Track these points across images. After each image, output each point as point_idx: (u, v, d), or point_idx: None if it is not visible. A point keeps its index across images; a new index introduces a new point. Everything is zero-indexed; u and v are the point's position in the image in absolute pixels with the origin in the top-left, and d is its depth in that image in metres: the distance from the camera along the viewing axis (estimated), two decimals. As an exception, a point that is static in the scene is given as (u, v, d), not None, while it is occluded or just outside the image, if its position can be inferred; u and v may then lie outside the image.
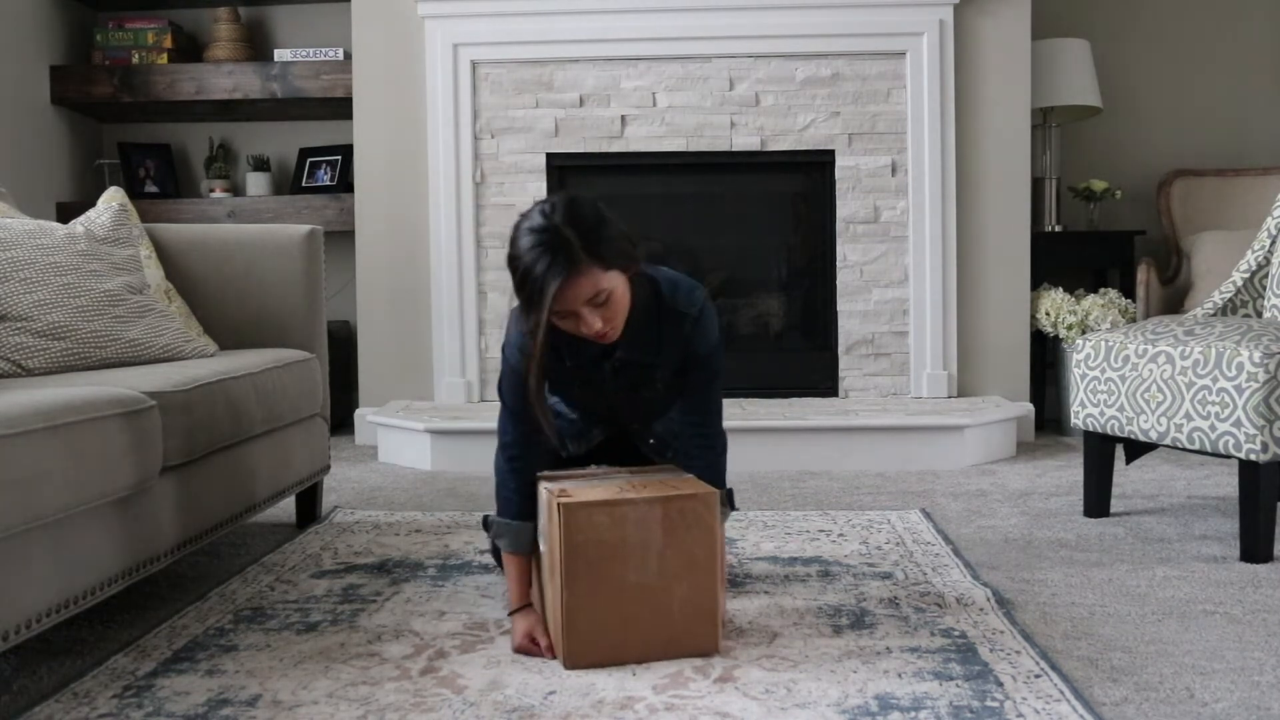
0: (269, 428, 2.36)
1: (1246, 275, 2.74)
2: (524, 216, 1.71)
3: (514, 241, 1.70)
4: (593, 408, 1.99)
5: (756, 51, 3.88)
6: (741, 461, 3.37)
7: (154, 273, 2.55)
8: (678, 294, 1.86)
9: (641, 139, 3.91)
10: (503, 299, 3.90)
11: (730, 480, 3.23)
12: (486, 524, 1.92)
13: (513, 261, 1.70)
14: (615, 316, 1.72)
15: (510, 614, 1.82)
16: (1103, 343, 2.56)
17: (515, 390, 1.82)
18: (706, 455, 1.96)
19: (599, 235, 1.68)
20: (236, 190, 4.44)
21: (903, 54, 3.86)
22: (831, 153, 3.90)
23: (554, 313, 1.67)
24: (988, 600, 1.98)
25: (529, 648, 1.75)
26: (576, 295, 1.66)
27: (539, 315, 1.66)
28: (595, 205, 1.73)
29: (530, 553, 1.84)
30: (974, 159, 3.92)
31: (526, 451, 1.85)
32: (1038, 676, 1.61)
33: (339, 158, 4.37)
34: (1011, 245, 3.94)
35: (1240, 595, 2.03)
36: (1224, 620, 1.89)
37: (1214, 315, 2.73)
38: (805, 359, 4.02)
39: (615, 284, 1.70)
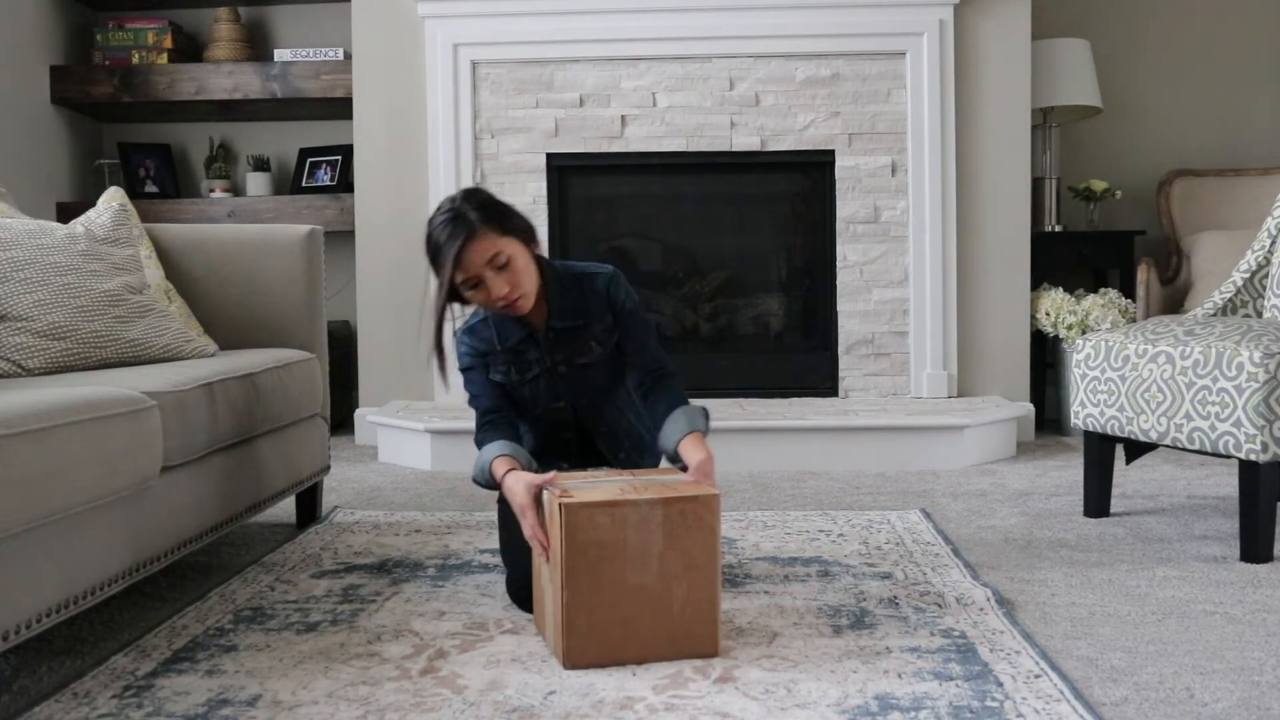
0: (269, 428, 2.36)
1: (1246, 275, 2.74)
2: (433, 215, 1.97)
3: (427, 234, 1.97)
4: (542, 399, 2.06)
5: (756, 51, 3.88)
6: (741, 461, 3.39)
7: (154, 273, 2.55)
8: (585, 264, 2.11)
9: (641, 139, 3.91)
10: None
11: (730, 480, 3.24)
12: (477, 479, 2.00)
13: (426, 246, 1.97)
14: (520, 282, 1.93)
15: (502, 476, 1.87)
16: (1103, 343, 2.56)
17: (479, 385, 2.06)
18: (670, 391, 2.06)
19: (495, 208, 1.96)
20: (236, 190, 4.44)
21: (903, 54, 3.86)
22: (831, 153, 3.90)
23: (463, 282, 1.91)
24: (988, 600, 1.98)
25: (534, 516, 1.77)
26: (477, 257, 1.89)
27: (444, 280, 1.91)
28: (490, 193, 2.02)
29: (513, 453, 1.93)
30: (974, 159, 3.92)
31: (502, 414, 2.05)
32: (1038, 676, 1.61)
33: (339, 158, 4.37)
34: (1011, 245, 3.94)
35: (1240, 595, 2.03)
36: (1224, 620, 1.89)
37: (1214, 315, 2.73)
38: (805, 359, 4.02)
39: (514, 250, 1.93)
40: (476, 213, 1.92)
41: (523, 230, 1.97)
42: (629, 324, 2.07)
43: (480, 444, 2.01)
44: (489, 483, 1.96)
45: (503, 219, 1.94)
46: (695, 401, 2.06)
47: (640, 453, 2.13)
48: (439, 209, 1.96)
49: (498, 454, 1.93)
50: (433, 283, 1.98)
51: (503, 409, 2.06)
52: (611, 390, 2.10)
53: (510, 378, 2.05)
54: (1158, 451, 3.37)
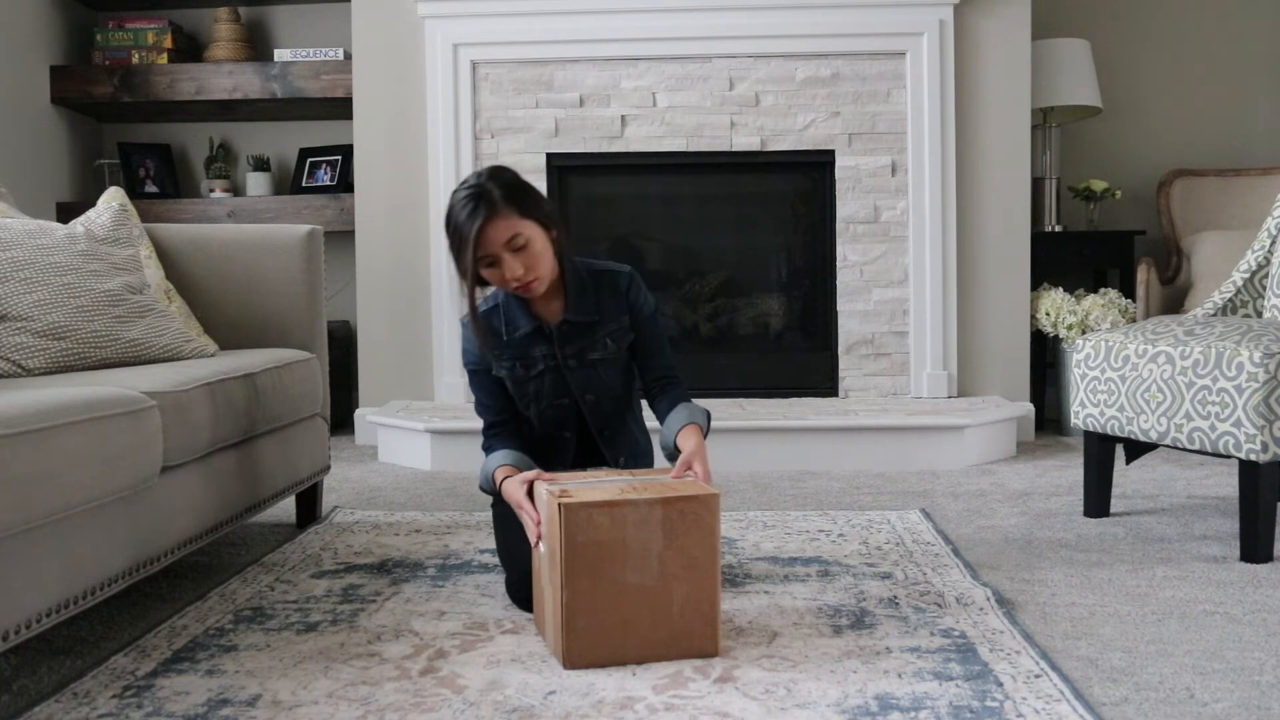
0: (269, 428, 2.36)
1: (1246, 275, 2.74)
2: (457, 188, 1.96)
3: (448, 208, 1.94)
4: (546, 395, 2.05)
5: (756, 51, 3.88)
6: (741, 461, 3.39)
7: (154, 273, 2.55)
8: (606, 263, 2.11)
9: (641, 139, 3.91)
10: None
11: (730, 480, 3.24)
12: (484, 487, 2.05)
13: (446, 223, 1.94)
14: (536, 265, 1.93)
15: (500, 481, 1.91)
16: (1103, 343, 2.56)
17: (485, 391, 2.07)
18: (676, 393, 2.09)
19: (518, 189, 1.94)
20: (236, 190, 4.44)
21: (903, 54, 3.86)
22: (831, 153, 3.90)
23: (479, 259, 1.90)
24: (988, 600, 1.98)
25: (523, 502, 1.81)
26: (496, 236, 1.89)
27: (466, 259, 1.90)
28: (516, 173, 2.00)
29: (515, 462, 1.97)
30: (974, 159, 3.92)
31: (509, 423, 2.08)
32: (1038, 676, 1.61)
33: (339, 158, 4.37)
34: (1011, 245, 3.94)
35: (1240, 595, 2.03)
36: (1224, 620, 1.89)
37: (1214, 315, 2.73)
38: (805, 359, 4.02)
39: (533, 233, 1.93)
40: (500, 191, 1.91)
41: (544, 215, 1.96)
42: (646, 328, 2.09)
43: (487, 452, 2.05)
44: (493, 490, 2.01)
45: (524, 200, 1.94)
46: (698, 402, 2.10)
47: (637, 459, 2.13)
48: (462, 184, 1.95)
49: (500, 464, 1.98)
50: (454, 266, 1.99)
51: (507, 419, 2.08)
52: (618, 392, 2.10)
53: (515, 373, 2.04)
54: (1158, 451, 3.37)
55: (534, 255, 1.93)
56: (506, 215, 1.90)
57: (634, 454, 2.13)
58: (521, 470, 1.94)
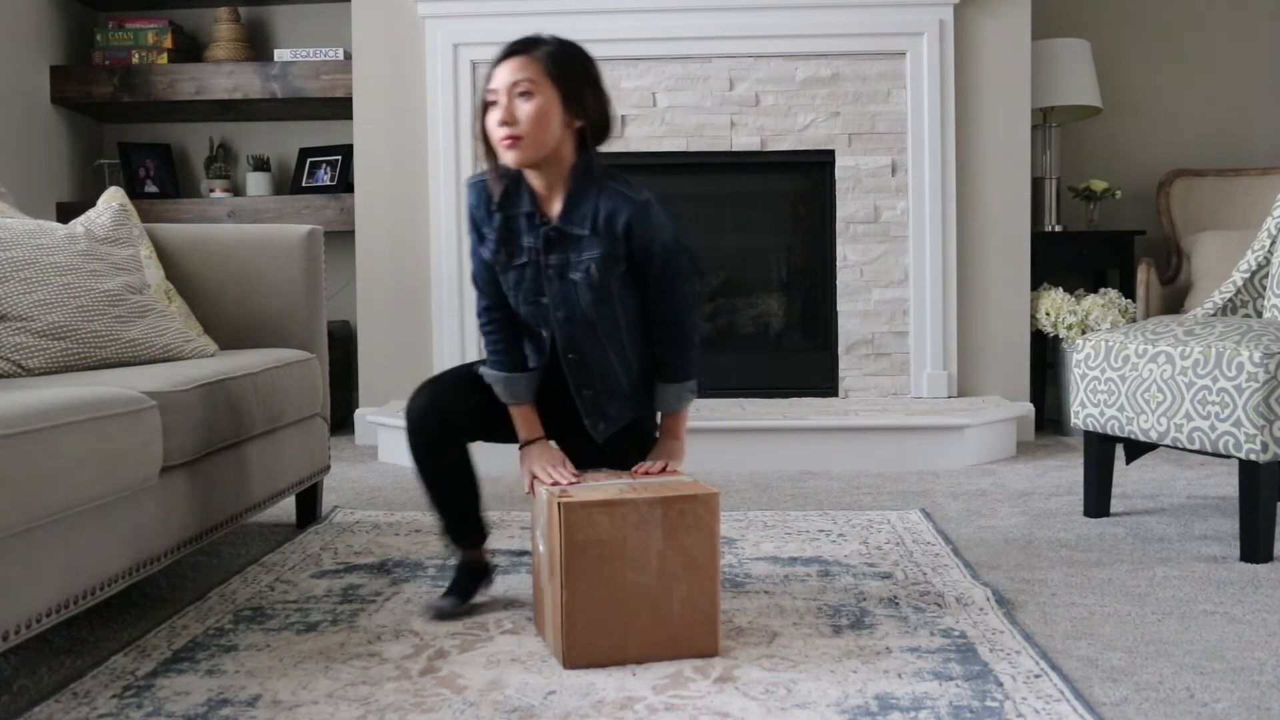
0: (269, 428, 2.36)
1: (1246, 275, 2.74)
2: None
3: None
4: (524, 289, 1.91)
5: (756, 51, 3.88)
6: (741, 461, 3.39)
7: (154, 273, 2.55)
8: (627, 184, 1.91)
9: (641, 139, 3.91)
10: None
11: (730, 481, 3.23)
12: (493, 384, 1.94)
13: None
14: (528, 124, 1.80)
15: (521, 448, 1.87)
16: (1103, 343, 2.56)
17: (480, 265, 1.95)
18: (672, 355, 1.92)
19: (570, 58, 1.84)
20: (236, 190, 4.44)
21: (903, 54, 3.86)
22: (831, 153, 3.90)
23: (486, 93, 1.83)
24: (988, 600, 1.98)
25: (540, 479, 1.80)
26: (506, 74, 1.80)
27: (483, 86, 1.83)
28: (588, 54, 1.88)
29: (529, 400, 1.91)
30: (974, 159, 3.92)
31: (500, 312, 1.94)
32: (1038, 676, 1.61)
33: (339, 158, 4.37)
34: (1011, 245, 3.94)
35: (1240, 595, 2.03)
36: (1224, 620, 1.89)
37: (1214, 315, 2.73)
38: (805, 359, 4.02)
39: (546, 95, 1.80)
40: (549, 45, 1.82)
41: (575, 93, 1.82)
42: (652, 271, 1.87)
43: (489, 341, 1.94)
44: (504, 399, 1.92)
45: (563, 67, 1.82)
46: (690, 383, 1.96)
47: (610, 397, 1.91)
48: None
49: (527, 403, 1.92)
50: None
51: (505, 308, 1.94)
52: (598, 321, 1.86)
53: (498, 257, 1.91)
54: (1158, 451, 3.37)
55: (533, 113, 1.79)
56: (530, 63, 1.80)
57: (608, 390, 1.91)
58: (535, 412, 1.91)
